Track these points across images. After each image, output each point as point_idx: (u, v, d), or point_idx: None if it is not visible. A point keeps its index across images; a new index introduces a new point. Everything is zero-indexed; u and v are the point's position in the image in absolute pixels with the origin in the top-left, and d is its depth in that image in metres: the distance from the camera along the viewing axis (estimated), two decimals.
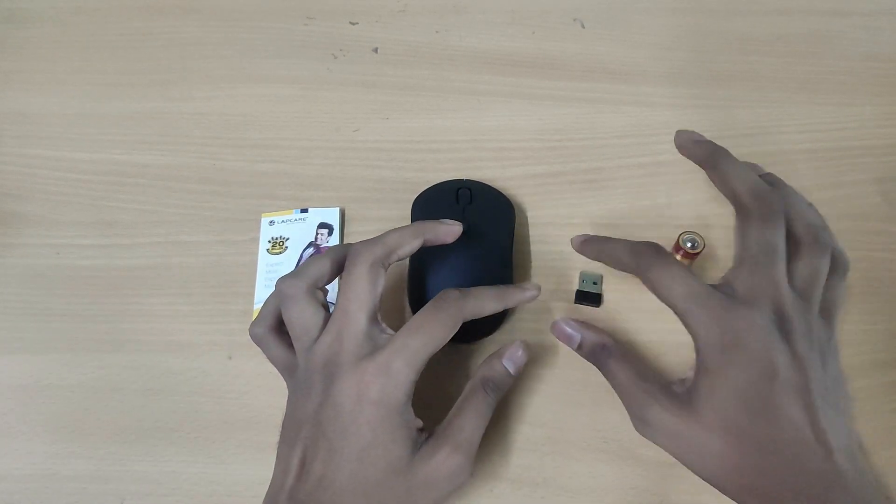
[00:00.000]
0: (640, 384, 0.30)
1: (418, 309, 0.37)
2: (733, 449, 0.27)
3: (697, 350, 0.29)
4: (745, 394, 0.27)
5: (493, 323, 0.38)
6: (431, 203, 0.40)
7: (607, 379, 0.32)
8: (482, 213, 0.39)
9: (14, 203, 0.43)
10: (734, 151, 0.44)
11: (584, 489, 0.35)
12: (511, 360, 0.34)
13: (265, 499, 0.29)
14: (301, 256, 0.41)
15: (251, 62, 0.48)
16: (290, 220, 0.42)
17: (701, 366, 0.28)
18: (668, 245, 0.38)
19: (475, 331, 0.37)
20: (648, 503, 0.35)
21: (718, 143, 0.45)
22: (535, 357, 0.38)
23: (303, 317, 0.31)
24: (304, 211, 0.42)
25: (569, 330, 0.35)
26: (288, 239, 0.41)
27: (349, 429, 0.28)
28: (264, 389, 0.37)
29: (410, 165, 0.44)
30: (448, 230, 0.34)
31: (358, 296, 0.31)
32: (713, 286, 0.30)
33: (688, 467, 0.29)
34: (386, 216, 0.42)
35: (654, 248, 0.31)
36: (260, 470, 0.32)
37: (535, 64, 0.48)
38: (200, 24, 0.50)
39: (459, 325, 0.31)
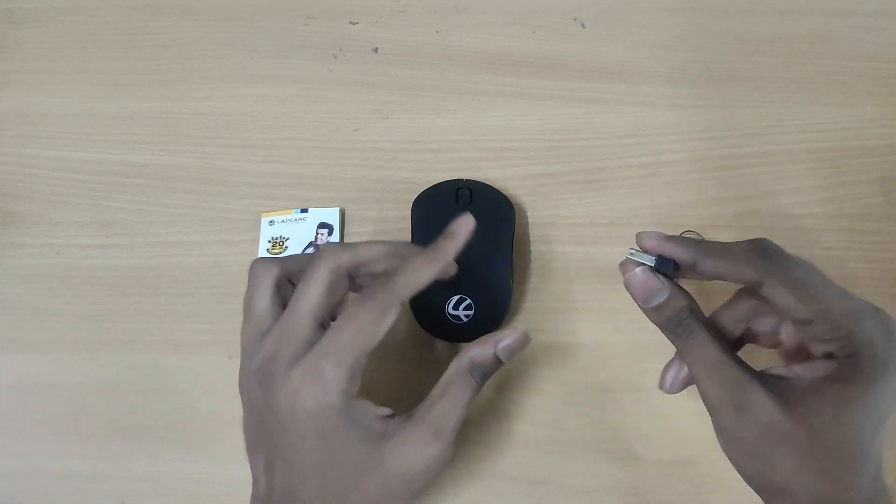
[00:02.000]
0: (736, 363, 0.27)
1: (417, 310, 0.37)
2: (824, 457, 0.25)
3: (851, 355, 0.25)
4: (875, 410, 0.25)
5: (493, 323, 0.38)
6: (431, 203, 0.40)
7: (687, 351, 0.28)
8: (482, 213, 0.39)
9: (13, 203, 0.43)
10: (734, 152, 0.45)
11: (585, 489, 0.35)
12: (506, 350, 0.31)
13: None
14: None
15: (251, 62, 0.48)
16: (290, 220, 0.42)
17: (846, 372, 0.25)
18: None
19: (475, 330, 0.37)
20: (648, 503, 0.35)
21: (718, 142, 0.45)
22: (536, 357, 0.38)
23: (260, 303, 0.29)
24: (304, 211, 0.42)
25: (657, 282, 0.28)
26: (288, 239, 0.41)
27: (297, 442, 0.27)
28: None
29: (410, 165, 0.44)
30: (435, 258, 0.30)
31: (308, 298, 0.28)
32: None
33: (746, 467, 0.27)
34: (386, 216, 0.42)
35: (778, 248, 0.27)
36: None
37: (535, 64, 0.48)
38: (200, 24, 0.50)
39: (395, 309, 0.28)
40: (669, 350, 0.38)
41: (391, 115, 0.46)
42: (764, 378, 0.27)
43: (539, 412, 0.37)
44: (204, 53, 0.49)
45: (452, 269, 0.32)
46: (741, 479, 0.28)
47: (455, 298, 0.36)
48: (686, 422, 0.36)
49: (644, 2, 0.51)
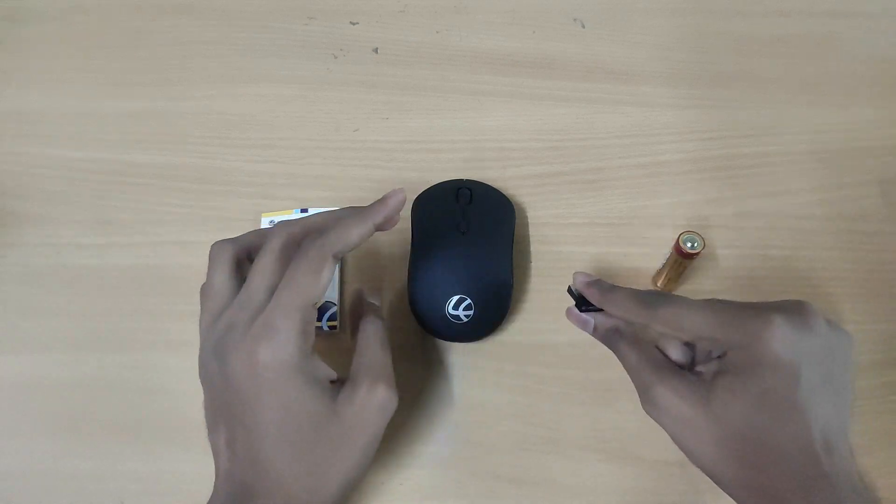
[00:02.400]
0: (649, 365, 0.31)
1: (418, 311, 0.38)
2: (736, 444, 0.28)
3: (722, 354, 0.29)
4: (763, 397, 0.27)
5: (493, 322, 0.38)
6: (431, 203, 0.40)
7: (620, 360, 0.33)
8: (482, 213, 0.39)
9: (13, 202, 0.43)
10: (734, 152, 0.45)
11: (584, 489, 0.35)
12: (372, 297, 0.35)
13: (213, 490, 0.30)
14: None
15: (251, 62, 0.48)
16: None
17: (723, 365, 0.29)
18: (668, 245, 0.38)
19: (476, 330, 0.37)
20: (647, 503, 0.35)
21: (718, 143, 0.45)
22: (535, 357, 0.38)
23: (218, 280, 0.31)
24: (304, 211, 0.42)
25: (582, 317, 0.35)
26: None
27: (255, 404, 0.28)
28: None
29: (410, 165, 0.44)
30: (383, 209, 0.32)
31: (263, 271, 0.30)
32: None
33: (685, 453, 0.30)
34: None
35: (657, 292, 0.32)
36: None
37: (535, 64, 0.48)
38: (200, 24, 0.50)
39: (328, 263, 0.29)
40: None
41: (391, 115, 0.46)
42: (680, 376, 0.30)
43: (538, 412, 0.37)
44: (204, 53, 0.49)
45: (396, 219, 0.33)
46: None
47: (455, 298, 0.37)
48: None
49: (644, 2, 0.51)
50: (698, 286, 0.40)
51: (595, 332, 0.35)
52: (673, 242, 0.37)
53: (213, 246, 0.32)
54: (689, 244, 0.36)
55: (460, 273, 0.37)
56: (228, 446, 0.29)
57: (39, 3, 0.51)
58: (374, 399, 0.29)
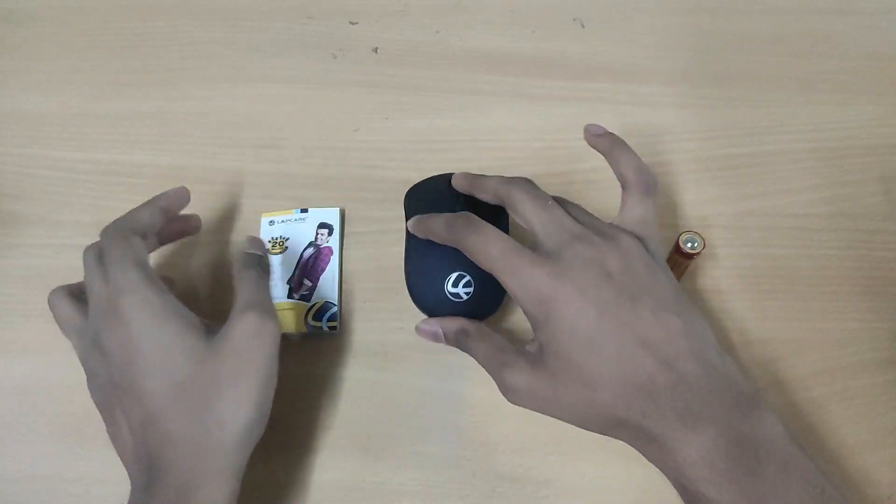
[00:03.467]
0: (496, 354, 0.32)
1: (416, 290, 0.37)
2: (584, 390, 0.29)
3: (523, 309, 0.30)
4: (577, 335, 0.29)
5: (493, 300, 0.37)
6: (424, 192, 0.40)
7: (474, 358, 0.34)
8: (479, 210, 0.39)
9: (13, 203, 0.43)
10: (735, 151, 0.45)
11: (588, 488, 0.35)
12: (254, 246, 0.36)
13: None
14: (301, 256, 0.40)
15: (251, 62, 0.48)
16: (290, 220, 0.42)
17: (532, 321, 0.30)
18: (668, 245, 0.38)
19: (475, 308, 0.36)
20: (652, 502, 0.35)
21: (719, 142, 0.45)
22: None
23: (69, 311, 0.33)
24: (304, 211, 0.42)
25: (430, 328, 0.36)
26: (288, 239, 0.41)
27: (134, 361, 0.29)
28: None
29: (410, 165, 0.44)
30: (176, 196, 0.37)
31: (94, 276, 0.32)
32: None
33: (555, 418, 0.30)
34: (386, 216, 0.42)
35: (466, 217, 0.33)
36: (261, 471, 0.32)
37: (536, 64, 0.48)
38: (200, 24, 0.50)
39: (130, 235, 0.32)
40: None
41: (391, 115, 0.46)
42: (523, 355, 0.31)
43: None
44: (204, 53, 0.49)
45: (198, 224, 0.40)
46: None
47: (454, 276, 0.36)
48: None
49: (644, 1, 0.51)
50: (698, 286, 0.40)
51: (447, 340, 0.35)
52: (673, 242, 0.37)
53: (48, 297, 0.34)
54: (689, 244, 0.36)
55: (458, 271, 0.37)
56: (129, 427, 0.29)
57: (37, 4, 0.51)
58: (247, 328, 0.30)
